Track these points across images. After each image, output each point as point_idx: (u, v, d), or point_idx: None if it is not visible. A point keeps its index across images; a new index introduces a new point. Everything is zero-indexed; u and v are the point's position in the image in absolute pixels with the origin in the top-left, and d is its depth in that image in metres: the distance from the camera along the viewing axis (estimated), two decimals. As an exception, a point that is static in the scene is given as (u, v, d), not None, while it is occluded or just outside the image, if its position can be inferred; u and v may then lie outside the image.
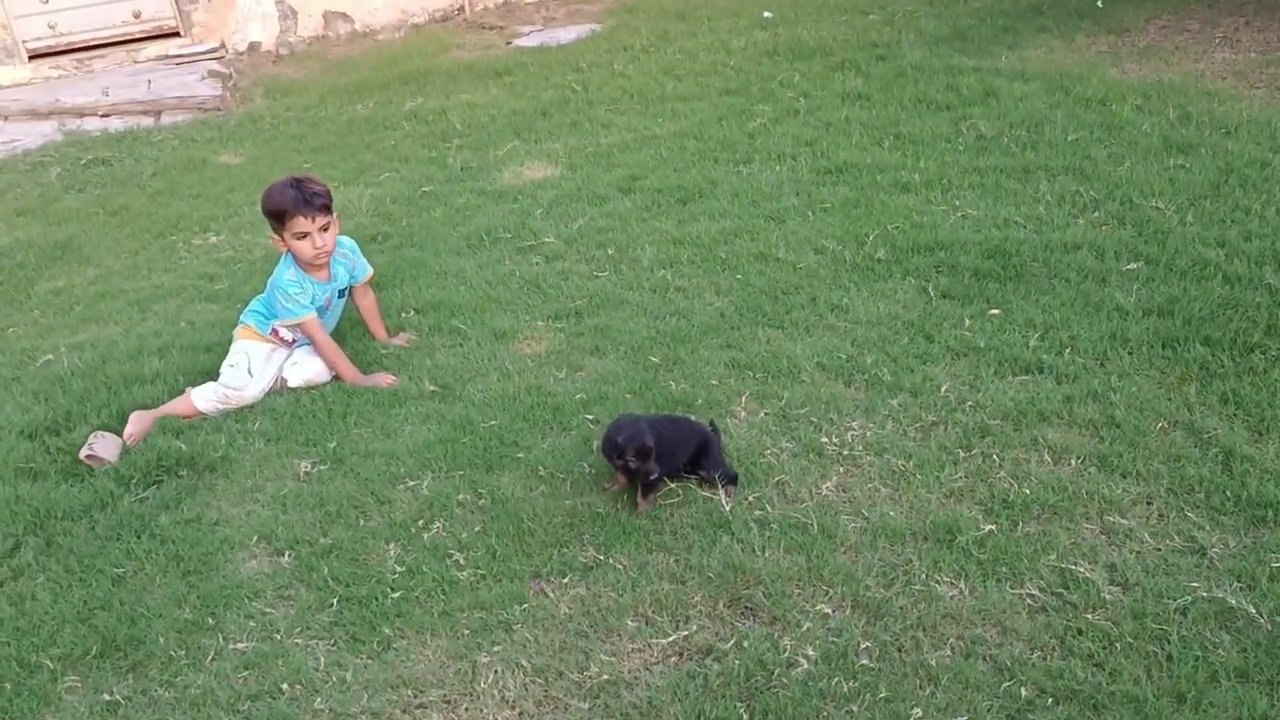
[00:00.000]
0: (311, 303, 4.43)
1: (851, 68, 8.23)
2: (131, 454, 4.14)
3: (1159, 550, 3.18)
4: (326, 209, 4.30)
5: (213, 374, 4.66)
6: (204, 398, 4.39)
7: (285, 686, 3.01)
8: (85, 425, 4.34)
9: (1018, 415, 3.83)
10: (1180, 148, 5.97)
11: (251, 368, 4.42)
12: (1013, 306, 4.55)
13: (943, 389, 4.04)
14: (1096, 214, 5.33)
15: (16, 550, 3.67)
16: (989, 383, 4.05)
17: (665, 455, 3.45)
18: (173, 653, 3.18)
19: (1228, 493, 3.35)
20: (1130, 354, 4.11)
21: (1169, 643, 2.84)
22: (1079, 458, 3.60)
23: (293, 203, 4.20)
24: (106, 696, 3.05)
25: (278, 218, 4.26)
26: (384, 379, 4.43)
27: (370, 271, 4.79)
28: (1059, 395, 3.92)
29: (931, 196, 5.76)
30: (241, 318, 4.63)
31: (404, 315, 5.08)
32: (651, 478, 3.42)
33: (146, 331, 5.25)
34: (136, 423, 4.27)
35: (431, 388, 4.40)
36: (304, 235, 4.27)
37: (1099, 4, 9.05)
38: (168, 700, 3.02)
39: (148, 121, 9.14)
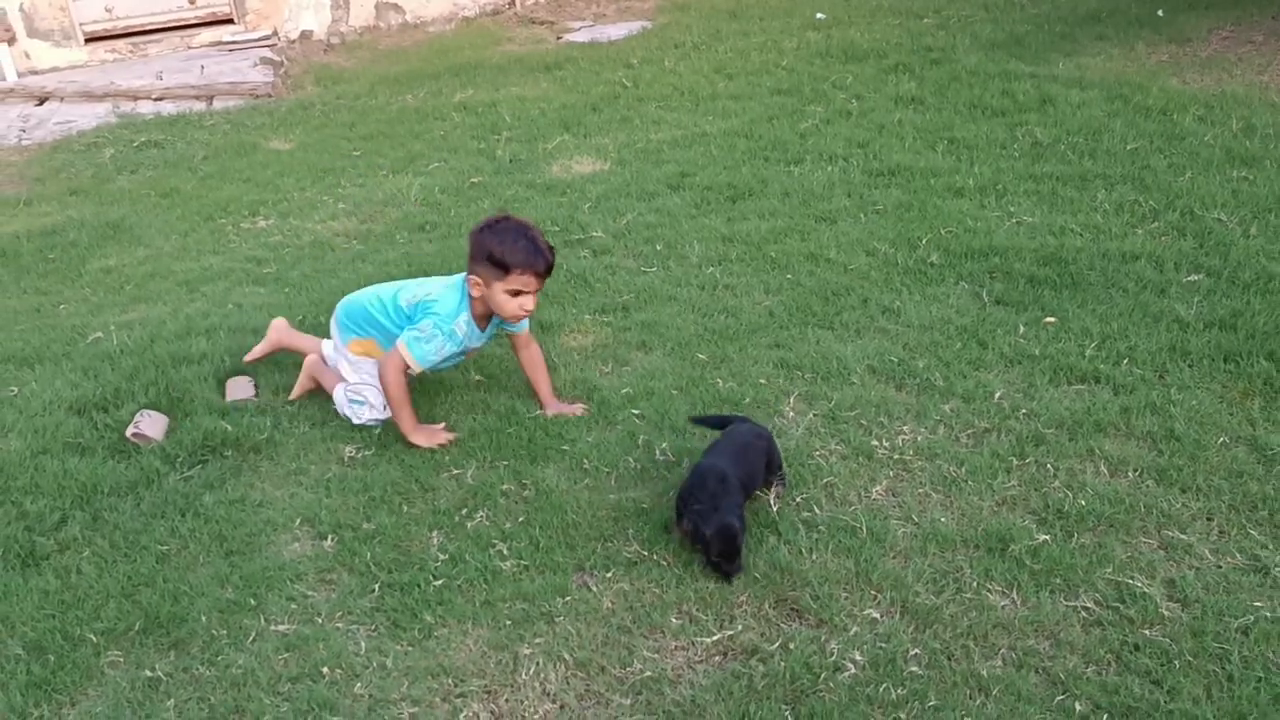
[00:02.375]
0: (446, 358, 3.94)
1: (905, 71, 8.14)
2: (178, 432, 4.14)
3: (1219, 567, 3.10)
4: (551, 271, 3.80)
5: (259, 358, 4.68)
6: (343, 399, 4.12)
7: (325, 670, 2.99)
8: (132, 403, 4.35)
9: (1073, 425, 3.76)
10: (1244, 160, 5.85)
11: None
12: (1069, 315, 4.47)
13: (996, 395, 3.96)
14: (1156, 224, 5.23)
15: (63, 524, 3.68)
16: (1044, 391, 3.98)
17: (747, 485, 3.32)
18: (214, 631, 3.17)
19: (1292, 511, 3.26)
20: (1190, 367, 4.02)
21: (1230, 662, 2.76)
22: (1136, 470, 3.51)
23: (526, 259, 3.65)
24: (148, 673, 3.04)
25: (499, 266, 3.66)
26: (441, 436, 3.94)
27: (525, 329, 4.07)
28: (1116, 406, 3.83)
29: (985, 202, 5.68)
30: (349, 324, 4.12)
31: (450, 304, 5.05)
32: (734, 576, 3.16)
33: (194, 312, 5.27)
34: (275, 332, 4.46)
35: (478, 378, 4.38)
36: (518, 293, 3.72)
37: (1160, 13, 8.90)
38: (208, 678, 3.00)
39: (200, 106, 9.21)
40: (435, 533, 3.50)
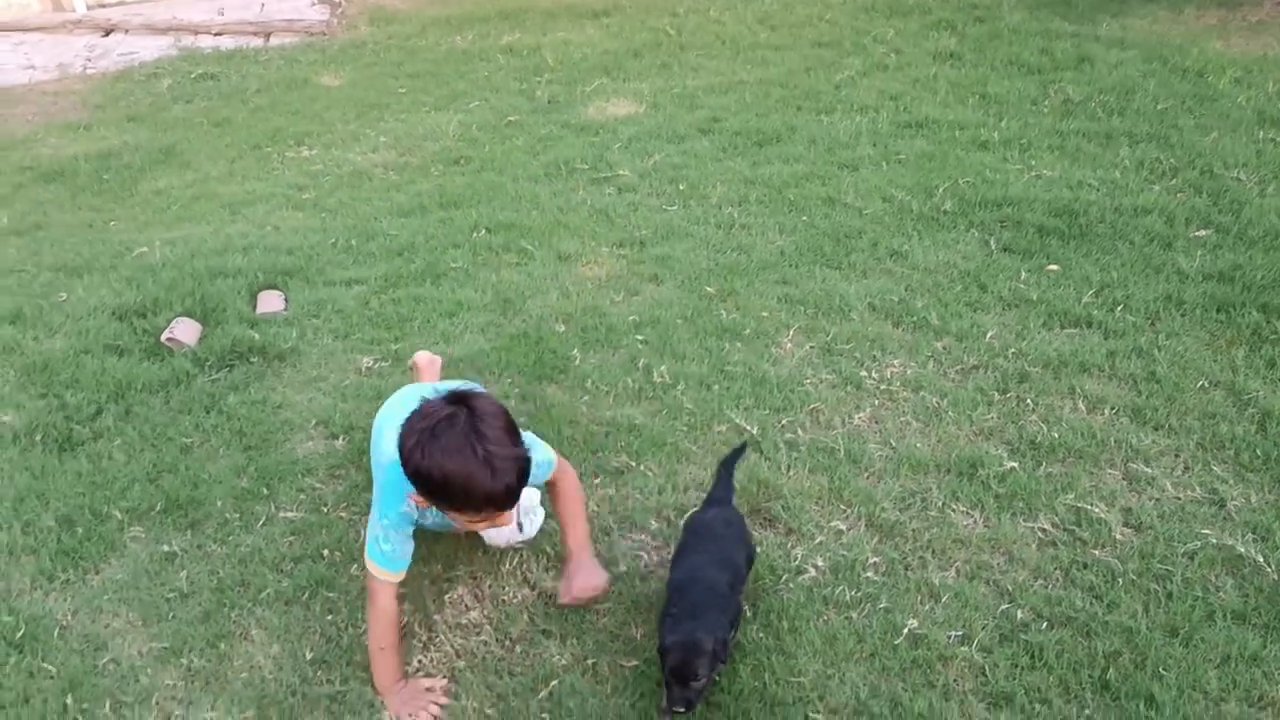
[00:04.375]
0: (410, 549, 2.75)
1: (947, 27, 8.15)
2: (209, 339, 4.39)
3: (1178, 499, 3.22)
4: (520, 488, 2.54)
5: (291, 273, 4.92)
6: None
7: (325, 553, 3.23)
8: (169, 311, 4.61)
9: (1059, 365, 3.87)
10: (1274, 122, 5.85)
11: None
12: (1072, 264, 4.55)
13: (988, 335, 4.08)
14: (1174, 181, 5.26)
15: (98, 415, 3.95)
16: (1036, 333, 4.09)
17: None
18: (228, 515, 3.41)
19: (1258, 451, 3.37)
20: (1183, 315, 4.10)
21: (1171, 582, 2.90)
22: (1113, 408, 3.63)
23: (482, 496, 2.46)
24: (165, 548, 3.29)
25: (444, 499, 2.52)
26: (423, 709, 2.68)
27: (553, 467, 2.90)
28: (1103, 349, 3.94)
29: (1008, 155, 5.74)
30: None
31: (476, 235, 5.25)
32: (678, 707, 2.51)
33: (235, 232, 5.52)
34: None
35: (488, 299, 4.58)
36: (477, 521, 2.63)
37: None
38: (220, 555, 3.25)
39: (257, 42, 9.45)
40: (439, 437, 3.70)
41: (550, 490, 2.97)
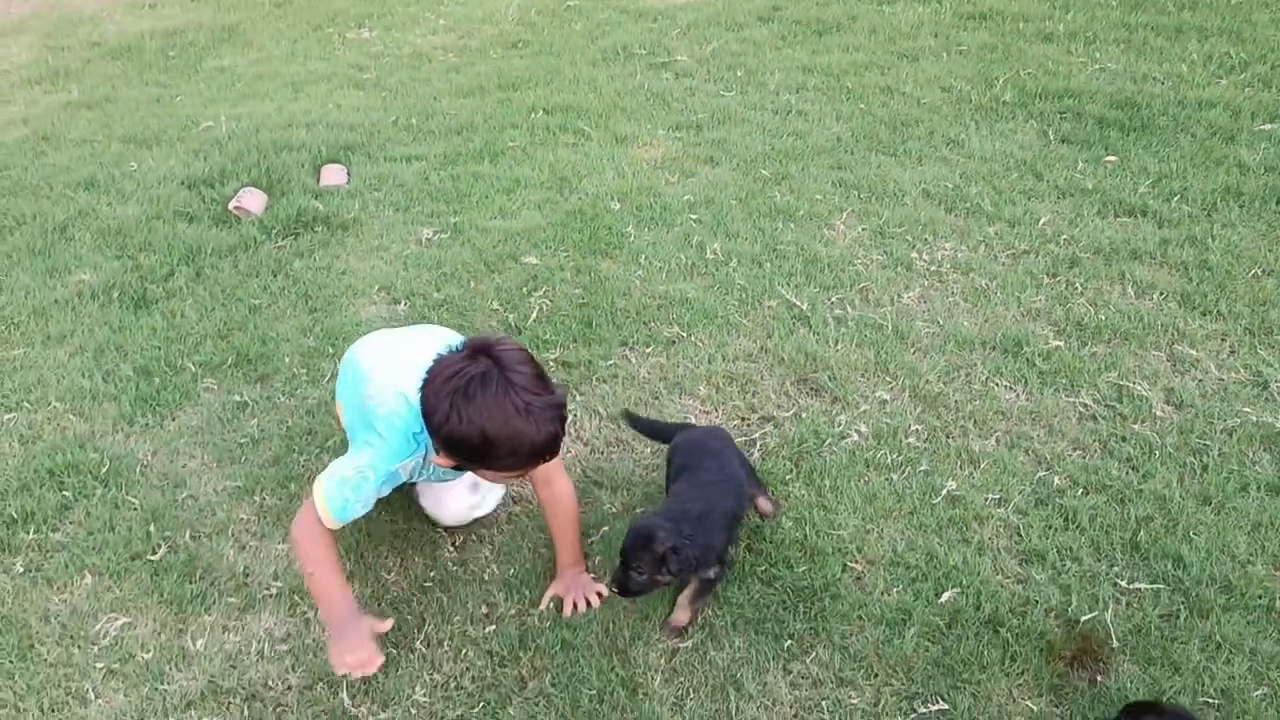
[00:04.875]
0: (373, 501, 2.44)
1: (1017, -82, 7.92)
2: (275, 208, 4.52)
3: (1221, 380, 3.26)
4: (563, 434, 2.38)
5: (353, 148, 5.02)
6: None
7: (389, 406, 3.36)
8: (236, 181, 4.74)
9: (1110, 251, 3.89)
10: (1351, 18, 5.69)
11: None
12: (1130, 155, 4.52)
13: (1041, 222, 4.10)
14: (1242, 75, 5.17)
15: (171, 276, 4.11)
16: (1089, 221, 4.09)
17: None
18: (295, 370, 3.57)
19: (1305, 337, 3.39)
20: (1241, 207, 4.08)
21: (1208, 456, 2.96)
22: (1162, 293, 3.65)
23: (530, 452, 2.29)
24: (237, 398, 3.46)
25: (487, 461, 2.33)
26: (367, 658, 2.37)
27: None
28: (1156, 237, 3.94)
29: (1072, 48, 5.65)
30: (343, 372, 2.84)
31: (533, 116, 5.30)
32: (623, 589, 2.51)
33: (298, 109, 5.61)
34: None
35: (543, 176, 4.65)
36: (517, 473, 2.44)
37: None
38: (288, 406, 3.41)
39: (316, -75, 9.42)
40: (498, 303, 3.83)
41: (540, 494, 2.73)
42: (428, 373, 2.31)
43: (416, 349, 2.50)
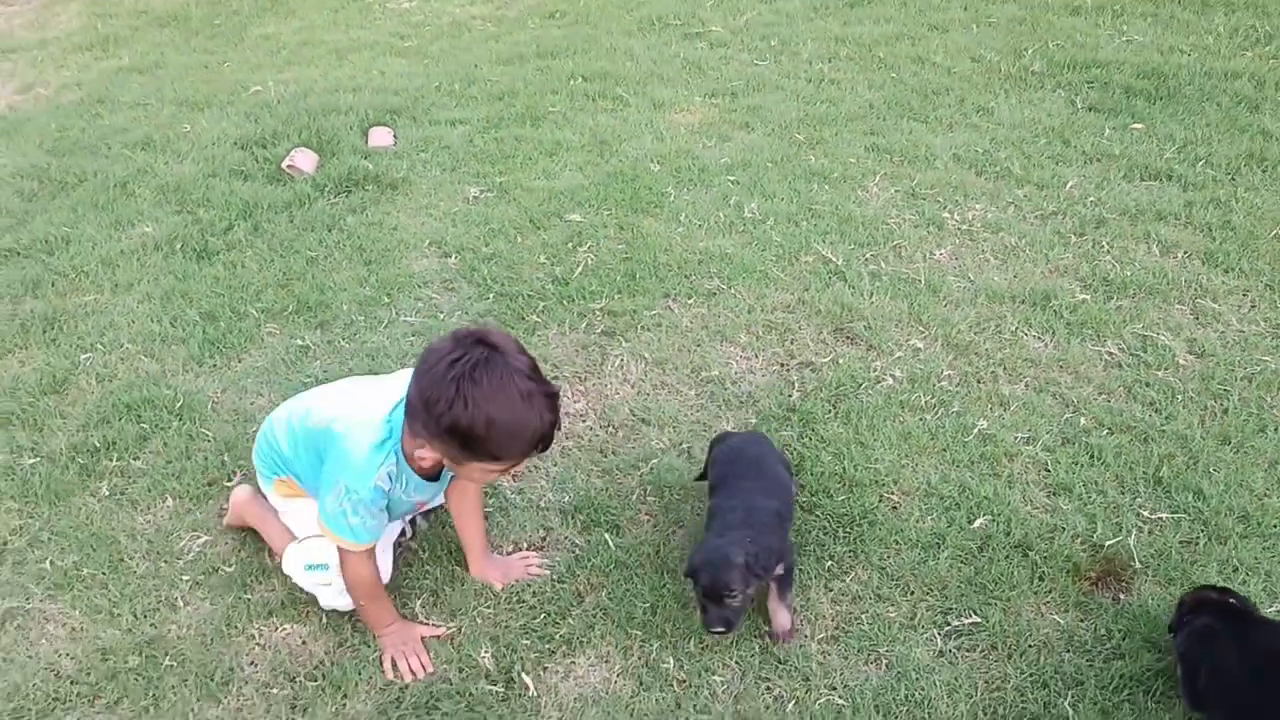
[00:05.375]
0: (384, 521, 2.49)
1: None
2: (326, 167, 4.69)
3: (1242, 332, 3.41)
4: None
5: (398, 112, 5.19)
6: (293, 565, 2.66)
7: (445, 350, 3.54)
8: (287, 142, 4.91)
9: (1136, 213, 4.03)
10: (1375, -6, 5.78)
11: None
12: (1157, 123, 4.66)
13: (1069, 185, 4.24)
14: (1267, 48, 5.29)
15: (230, 230, 4.29)
16: (1115, 184, 4.23)
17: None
18: (354, 317, 3.75)
19: (1323, 292, 3.53)
20: (1264, 171, 4.22)
21: (1228, 400, 3.11)
22: (1186, 252, 3.79)
23: (533, 442, 2.24)
24: (299, 342, 3.64)
25: (484, 451, 2.23)
26: (414, 651, 2.53)
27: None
28: (1181, 200, 4.08)
29: (1100, 21, 5.77)
30: (265, 454, 2.74)
31: (572, 83, 5.46)
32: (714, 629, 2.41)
33: (342, 76, 5.78)
34: (235, 503, 2.88)
35: (585, 141, 4.81)
36: (505, 470, 2.35)
37: None
38: (349, 350, 3.59)
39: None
40: (544, 257, 4.00)
41: (448, 492, 2.70)
42: (420, 363, 2.24)
43: (362, 387, 2.55)
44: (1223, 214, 3.96)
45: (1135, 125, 4.65)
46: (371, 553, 2.47)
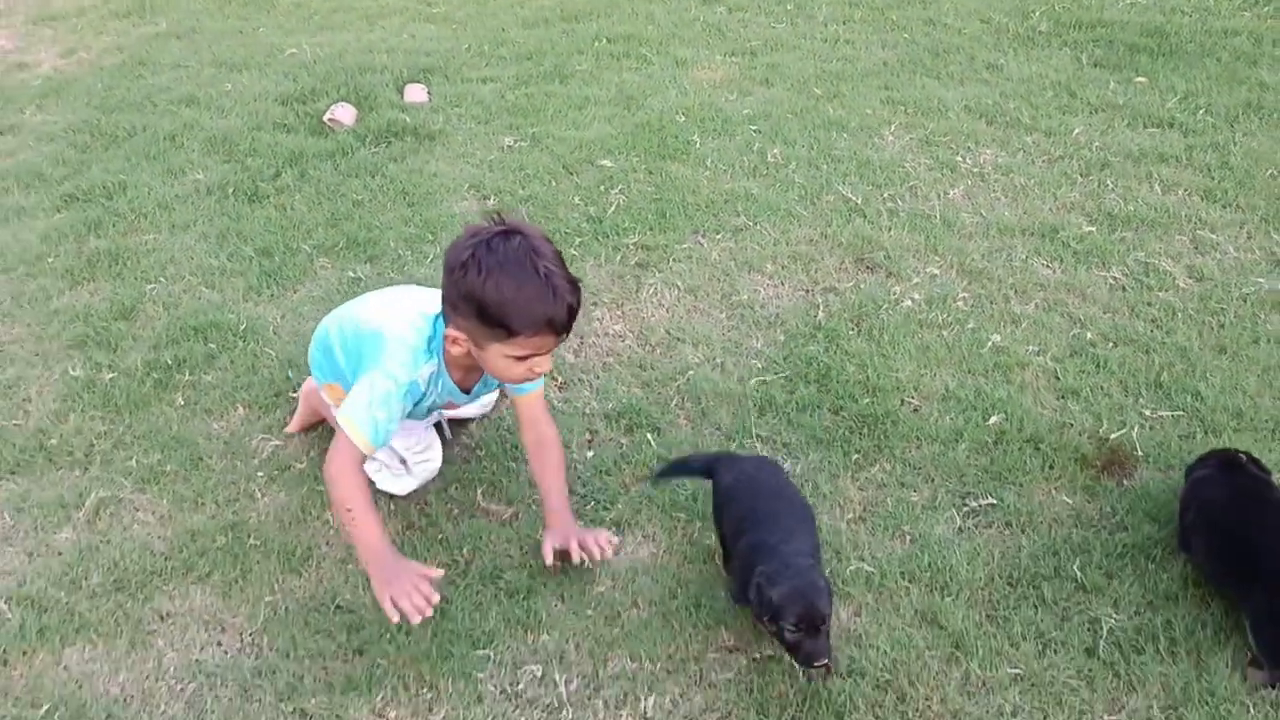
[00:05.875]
0: (400, 416, 2.48)
1: None
2: (366, 121, 4.92)
3: (1238, 258, 3.64)
4: (575, 320, 2.38)
5: (431, 71, 5.41)
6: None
7: (489, 280, 3.77)
8: (326, 98, 5.14)
9: (1139, 156, 4.26)
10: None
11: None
12: (1159, 76, 4.88)
13: (1075, 132, 4.47)
14: (1267, 8, 5.52)
15: (278, 176, 4.52)
16: (1120, 132, 4.46)
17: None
18: (400, 252, 3.98)
19: (1316, 224, 3.77)
20: (1261, 119, 4.45)
21: (1225, 317, 3.34)
22: (1186, 190, 4.02)
23: (539, 317, 2.28)
24: (351, 274, 3.87)
25: (497, 326, 2.30)
26: (410, 591, 2.26)
27: (540, 384, 2.68)
28: (1182, 144, 4.31)
29: (1105, -16, 5.99)
30: (318, 357, 2.85)
31: (597, 44, 5.69)
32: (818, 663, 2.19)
33: (374, 39, 6.01)
34: (304, 393, 3.08)
35: (611, 94, 5.04)
36: (524, 358, 2.38)
37: None
38: (399, 280, 3.81)
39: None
40: (578, 199, 4.23)
41: (524, 437, 2.72)
42: (454, 242, 2.36)
43: (410, 294, 2.65)
44: (1221, 156, 4.19)
45: (1139, 79, 4.87)
46: (361, 463, 2.41)
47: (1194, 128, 4.41)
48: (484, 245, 2.25)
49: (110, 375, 3.37)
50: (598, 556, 2.51)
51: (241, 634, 2.52)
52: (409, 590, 2.24)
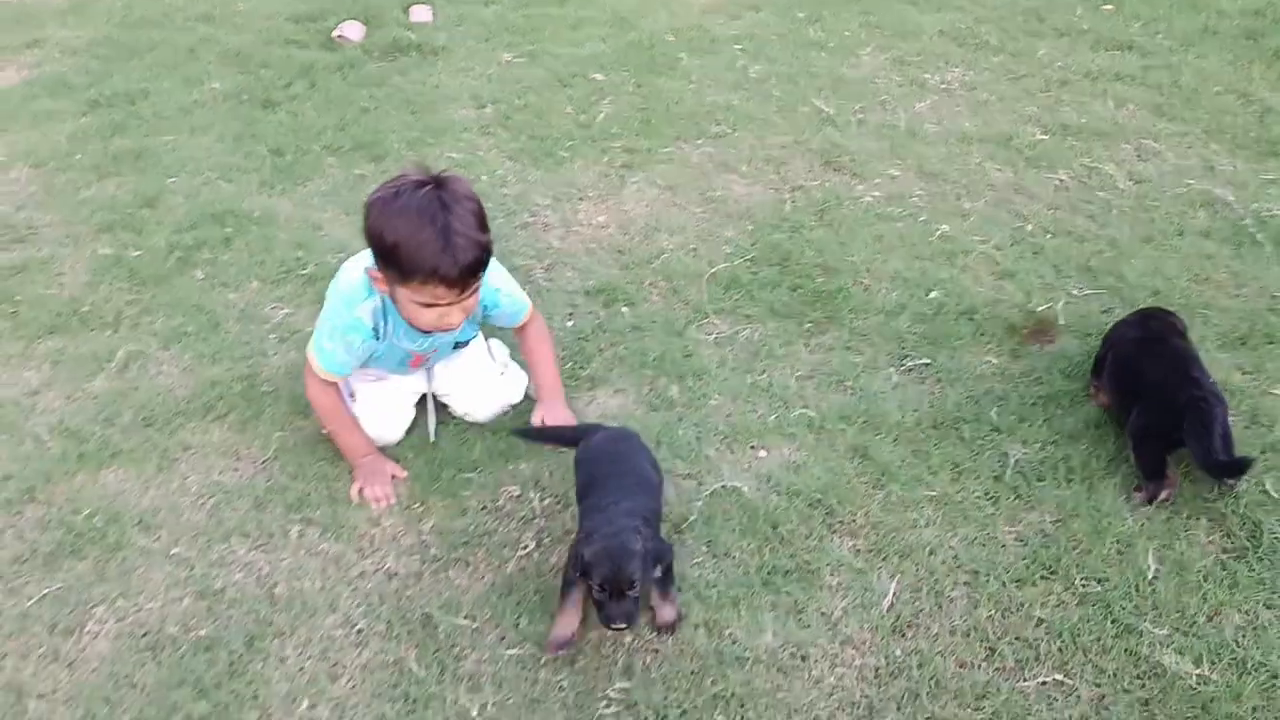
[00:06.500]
0: (357, 349, 2.64)
1: None
2: (373, 37, 5.21)
3: (1176, 164, 3.93)
4: (475, 276, 2.42)
5: (437, -9, 5.69)
6: None
7: (485, 177, 4.07)
8: (335, 17, 5.42)
9: (1097, 74, 4.53)
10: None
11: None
12: (1124, 4, 5.15)
13: (1040, 53, 4.75)
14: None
15: (289, 86, 4.82)
16: (1082, 54, 4.73)
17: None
18: (404, 154, 4.28)
19: (1252, 134, 4.05)
20: (1215, 42, 4.72)
21: (1156, 213, 3.65)
22: (1136, 105, 4.31)
23: (431, 265, 2.32)
24: (358, 172, 4.18)
25: (395, 265, 2.38)
26: (380, 483, 2.71)
27: (527, 311, 2.86)
28: (1139, 64, 4.58)
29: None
30: None
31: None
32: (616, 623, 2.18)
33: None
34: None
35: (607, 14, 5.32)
36: (430, 305, 2.45)
37: None
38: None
39: None
40: (570, 108, 4.52)
41: (520, 336, 2.91)
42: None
43: None
44: (1173, 75, 4.47)
45: (1106, 6, 5.14)
46: (334, 387, 2.70)
47: (1152, 50, 4.69)
48: (394, 190, 2.33)
49: (136, 253, 3.70)
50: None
51: (255, 462, 2.85)
52: (375, 486, 2.70)
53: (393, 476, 2.75)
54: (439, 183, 2.34)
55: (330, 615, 2.41)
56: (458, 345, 2.89)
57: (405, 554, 2.55)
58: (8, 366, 3.22)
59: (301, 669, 2.29)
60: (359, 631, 2.36)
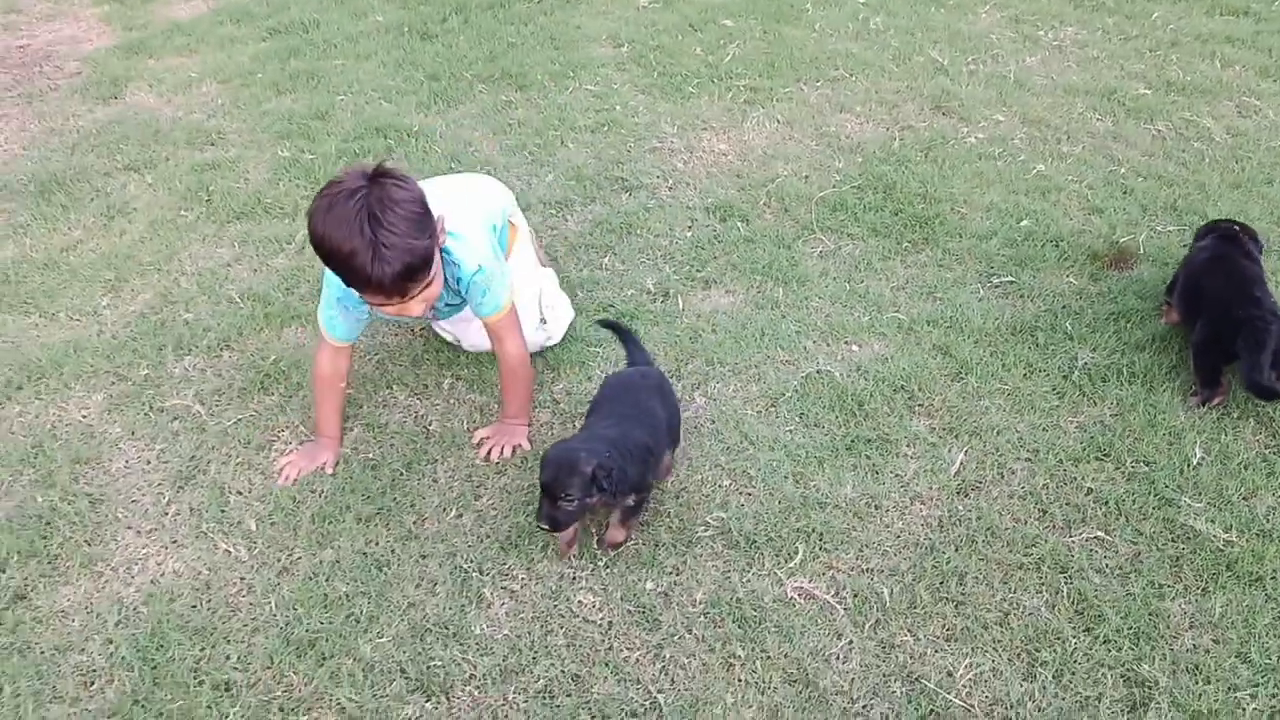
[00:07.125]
0: (353, 328, 2.79)
1: None
2: (521, -20, 5.65)
3: (1275, 121, 4.12)
4: (411, 281, 2.42)
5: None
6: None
7: (619, 107, 4.47)
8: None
9: (1208, 37, 4.72)
10: None
11: None
12: (1246, -27, 5.29)
13: (1154, 16, 4.94)
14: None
15: (445, 20, 5.29)
16: (1197, 18, 4.91)
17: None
18: (546, 84, 4.71)
19: (1353, 97, 4.21)
20: (1331, 12, 4.85)
21: (1247, 163, 3.87)
22: (1244, 66, 4.49)
23: (363, 277, 2.36)
24: (504, 98, 4.62)
25: (337, 273, 2.46)
26: (312, 460, 2.83)
27: (499, 310, 2.76)
28: (1252, 29, 4.75)
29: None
30: None
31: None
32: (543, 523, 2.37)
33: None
34: None
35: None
36: (381, 305, 2.52)
37: None
38: (542, 104, 4.55)
39: None
40: (699, 49, 4.89)
41: (496, 348, 2.85)
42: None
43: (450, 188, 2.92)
44: (1284, 40, 4.63)
45: (1226, -26, 5.28)
46: (332, 351, 2.79)
47: (1267, 16, 4.84)
48: (329, 202, 2.33)
49: (310, 156, 4.20)
50: (494, 457, 2.81)
51: (413, 330, 3.31)
52: (299, 460, 2.82)
53: (322, 466, 2.82)
54: (374, 186, 2.34)
55: (475, 450, 2.85)
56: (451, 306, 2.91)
57: (539, 407, 2.97)
58: (205, 244, 3.74)
59: (451, 488, 2.73)
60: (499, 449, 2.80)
